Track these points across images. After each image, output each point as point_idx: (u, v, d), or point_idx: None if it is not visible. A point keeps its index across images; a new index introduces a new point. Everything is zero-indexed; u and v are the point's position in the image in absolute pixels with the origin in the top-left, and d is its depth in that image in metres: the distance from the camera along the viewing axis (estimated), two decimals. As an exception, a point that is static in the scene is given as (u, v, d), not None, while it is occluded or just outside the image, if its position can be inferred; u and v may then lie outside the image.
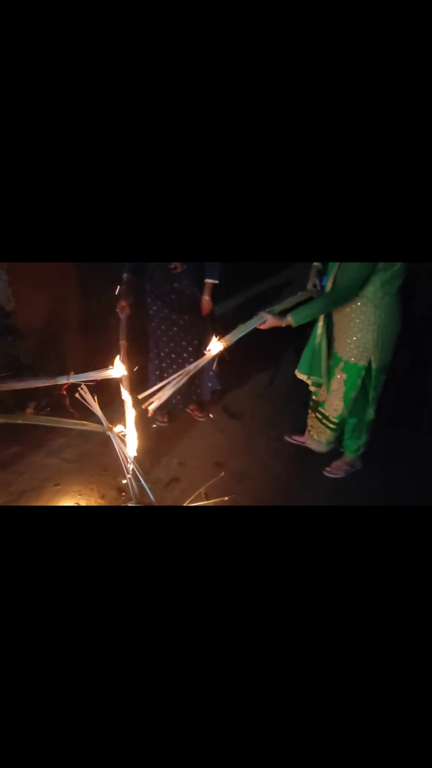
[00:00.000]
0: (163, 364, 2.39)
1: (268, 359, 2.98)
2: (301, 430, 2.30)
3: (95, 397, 1.48)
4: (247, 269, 3.87)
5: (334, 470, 2.18)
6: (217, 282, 2.28)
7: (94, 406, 1.49)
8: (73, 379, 1.48)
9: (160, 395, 1.61)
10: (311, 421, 2.18)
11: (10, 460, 2.11)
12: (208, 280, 2.25)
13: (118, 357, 1.68)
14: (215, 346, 1.66)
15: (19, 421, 1.40)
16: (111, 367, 1.54)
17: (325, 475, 2.14)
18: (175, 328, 2.32)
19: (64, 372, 2.65)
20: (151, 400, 1.60)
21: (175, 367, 2.35)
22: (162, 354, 2.37)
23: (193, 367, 1.64)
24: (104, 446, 2.18)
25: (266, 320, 1.68)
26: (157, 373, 2.40)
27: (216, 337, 1.67)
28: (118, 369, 1.53)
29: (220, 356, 1.74)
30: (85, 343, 3.01)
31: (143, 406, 1.59)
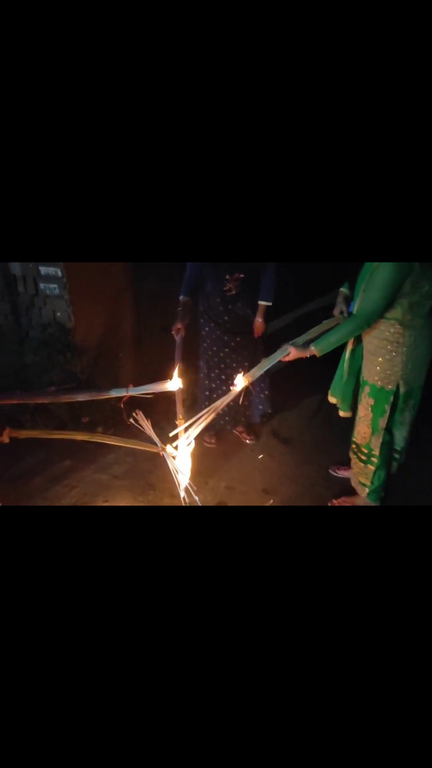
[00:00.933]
0: (213, 385, 2.39)
1: (320, 382, 2.90)
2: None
3: (149, 421, 1.49)
4: (296, 290, 3.83)
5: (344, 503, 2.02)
6: (270, 304, 2.27)
7: (148, 427, 1.50)
8: (132, 391, 1.50)
9: (188, 432, 1.59)
10: (351, 454, 2.03)
11: (63, 473, 2.17)
12: (262, 302, 2.25)
13: (174, 376, 1.70)
14: (240, 381, 1.63)
15: (78, 438, 1.42)
16: (169, 380, 1.55)
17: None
18: (227, 349, 2.31)
19: (116, 387, 2.73)
20: (178, 437, 1.60)
21: (224, 388, 2.34)
22: (212, 374, 2.37)
23: (219, 403, 1.61)
24: (151, 464, 2.19)
25: (290, 352, 1.64)
26: (207, 393, 2.40)
27: (241, 372, 1.64)
28: (175, 382, 1.54)
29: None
30: (137, 361, 3.09)
31: (170, 444, 1.58)
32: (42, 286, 2.64)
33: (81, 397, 1.61)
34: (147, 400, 1.57)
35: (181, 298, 2.14)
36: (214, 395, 2.39)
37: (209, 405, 2.39)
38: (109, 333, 2.85)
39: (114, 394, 1.48)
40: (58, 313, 2.66)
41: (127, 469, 2.24)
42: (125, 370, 2.97)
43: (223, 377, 2.36)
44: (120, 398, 1.55)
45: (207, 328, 2.30)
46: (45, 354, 2.51)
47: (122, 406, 1.50)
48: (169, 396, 1.64)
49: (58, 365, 2.47)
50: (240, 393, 1.67)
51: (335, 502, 2.04)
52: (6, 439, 1.13)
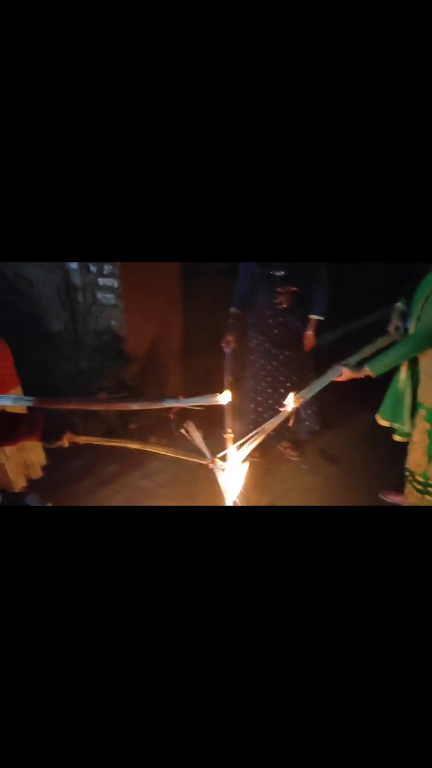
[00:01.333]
0: (259, 398, 2.36)
1: (374, 399, 2.79)
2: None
3: (201, 432, 1.49)
4: (349, 304, 3.73)
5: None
6: (322, 318, 2.22)
7: (198, 439, 1.49)
8: (183, 403, 1.51)
9: (238, 451, 1.56)
10: (406, 482, 1.91)
11: (110, 478, 2.23)
12: (313, 316, 2.21)
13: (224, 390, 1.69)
14: (290, 402, 1.58)
15: (131, 446, 1.44)
16: (221, 394, 1.54)
17: None
18: (275, 363, 2.28)
19: (163, 396, 2.78)
20: (221, 459, 1.57)
21: (270, 402, 2.30)
22: (258, 387, 2.35)
23: (269, 425, 1.57)
24: (194, 475, 2.19)
25: (342, 373, 1.57)
26: (252, 406, 2.38)
27: (293, 393, 1.59)
28: (226, 396, 1.53)
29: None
30: (185, 371, 3.14)
31: (208, 462, 1.56)
32: (99, 295, 2.76)
33: (134, 406, 1.63)
34: (192, 412, 1.57)
35: (231, 310, 2.15)
36: (260, 408, 2.36)
37: (255, 418, 2.39)
38: (159, 342, 2.92)
39: (166, 404, 1.50)
40: (113, 322, 2.76)
41: (171, 477, 2.26)
42: (173, 380, 3.02)
43: (270, 391, 2.32)
44: (169, 408, 1.56)
45: (256, 341, 2.28)
46: (98, 360, 2.61)
47: (172, 417, 1.51)
48: (213, 408, 1.64)
49: (109, 372, 2.55)
50: (290, 414, 1.63)
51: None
52: (66, 444, 1.17)
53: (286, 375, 2.29)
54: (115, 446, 2.19)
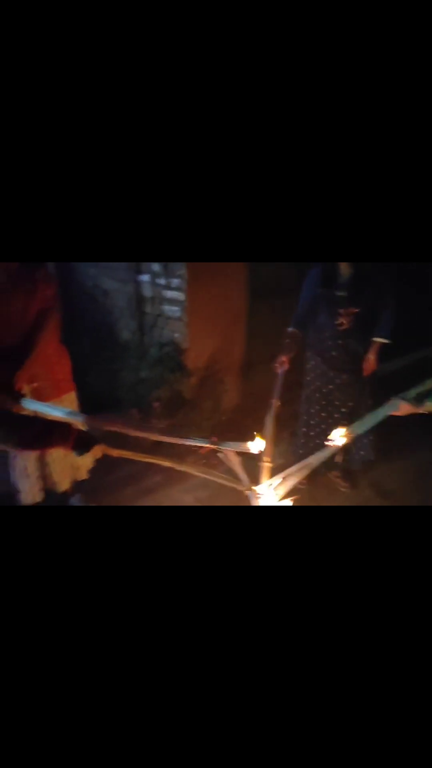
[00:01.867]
0: (311, 422, 2.24)
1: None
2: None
3: (240, 458, 1.45)
4: (413, 331, 3.40)
5: None
6: (387, 341, 2.05)
7: (236, 464, 1.45)
8: (215, 445, 1.48)
9: (278, 485, 1.48)
10: None
11: (152, 488, 2.27)
12: (378, 339, 2.05)
13: (266, 416, 1.64)
14: (338, 437, 1.45)
15: (165, 464, 1.45)
16: (251, 441, 1.48)
17: None
18: (331, 386, 2.16)
19: (217, 410, 2.77)
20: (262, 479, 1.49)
21: (323, 426, 2.17)
22: (312, 411, 2.23)
23: (314, 460, 1.46)
24: (235, 496, 2.14)
25: (400, 407, 1.40)
26: (305, 430, 2.27)
27: (343, 428, 1.46)
28: (257, 444, 1.47)
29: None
30: (244, 388, 3.11)
31: (244, 489, 1.48)
32: (166, 308, 2.85)
33: (169, 440, 1.64)
34: (235, 431, 1.53)
35: (289, 329, 2.08)
36: (312, 433, 2.24)
37: (305, 442, 2.28)
38: (219, 357, 2.94)
39: (195, 442, 1.48)
40: (176, 334, 2.84)
41: (211, 494, 2.23)
42: (230, 395, 3.00)
43: (323, 415, 2.20)
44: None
45: (312, 362, 2.18)
46: (159, 371, 2.69)
47: (202, 452, 1.49)
48: (257, 428, 1.58)
49: (167, 383, 2.62)
50: (338, 450, 1.52)
51: None
52: (99, 455, 1.20)
53: (342, 400, 2.16)
54: (174, 453, 2.24)
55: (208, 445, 1.48)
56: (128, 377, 2.78)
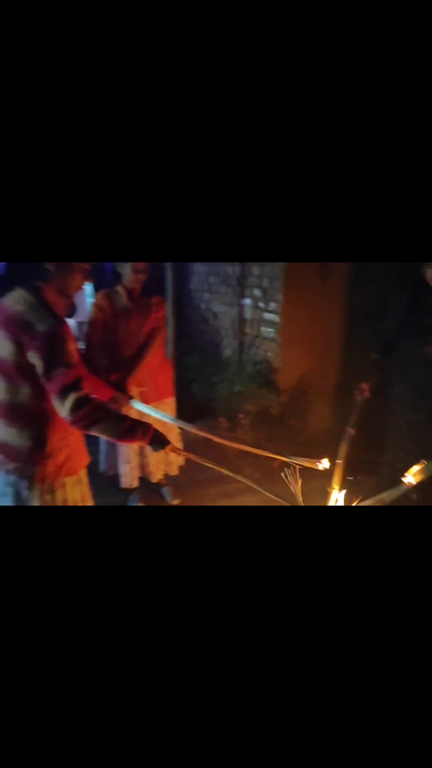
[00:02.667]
0: (397, 453, 2.20)
1: None
2: None
3: (301, 480, 1.53)
4: None
5: None
6: None
7: (296, 486, 1.54)
8: (286, 458, 1.58)
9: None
10: None
11: (233, 493, 2.46)
12: (471, 370, 1.95)
13: (340, 443, 1.68)
14: (412, 475, 1.43)
15: (224, 472, 1.59)
16: (321, 461, 1.54)
17: None
18: (417, 416, 2.10)
19: (302, 428, 2.85)
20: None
21: (409, 458, 2.12)
22: (397, 441, 2.19)
23: (387, 496, 1.44)
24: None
25: None
26: (388, 459, 2.23)
27: (420, 464, 1.44)
28: (324, 463, 1.54)
29: None
30: (334, 411, 3.13)
31: (355, 503, 1.52)
32: (263, 329, 3.08)
33: (247, 449, 1.73)
34: (331, 448, 1.59)
35: (372, 356, 2.11)
36: (398, 465, 2.19)
37: (389, 473, 2.22)
38: (311, 378, 3.03)
39: (273, 455, 1.59)
40: (269, 353, 3.04)
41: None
42: (320, 416, 3.06)
43: (410, 446, 2.14)
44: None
45: (399, 390, 2.16)
46: (250, 386, 2.92)
47: (276, 466, 1.60)
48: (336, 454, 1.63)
49: (256, 397, 2.82)
50: (412, 487, 1.51)
51: None
52: (169, 452, 1.43)
53: (430, 430, 2.08)
54: (254, 463, 2.39)
55: (280, 458, 1.61)
56: (224, 390, 3.06)
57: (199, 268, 3.79)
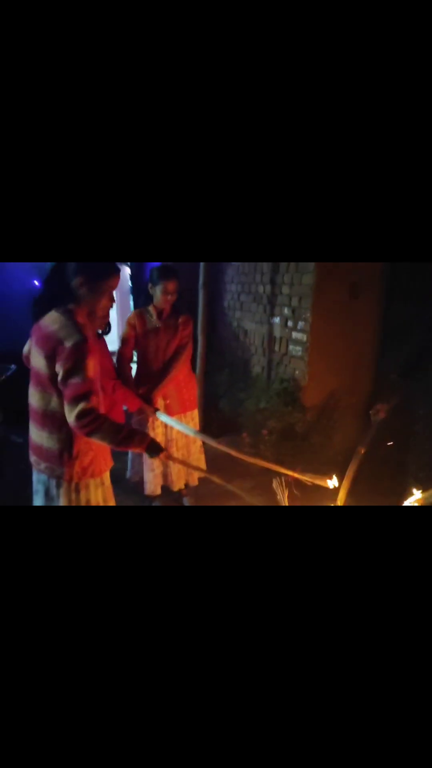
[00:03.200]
0: (420, 474, 2.17)
1: None
2: None
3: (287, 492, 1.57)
4: None
5: None
6: None
7: (284, 498, 1.58)
8: (295, 474, 1.64)
9: None
10: None
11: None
12: None
13: (351, 463, 1.70)
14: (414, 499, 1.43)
15: (213, 479, 1.63)
16: (330, 478, 1.58)
17: None
18: (441, 438, 2.08)
19: (326, 446, 2.85)
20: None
21: (432, 479, 2.09)
22: (421, 462, 2.17)
23: None
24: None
25: None
26: (412, 480, 2.20)
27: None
28: (333, 481, 1.58)
29: None
30: (358, 427, 3.09)
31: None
32: (291, 347, 3.14)
33: (261, 464, 1.76)
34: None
35: (391, 376, 2.12)
36: (419, 485, 2.16)
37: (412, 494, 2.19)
38: (340, 396, 3.03)
39: (284, 470, 1.64)
40: (296, 371, 3.08)
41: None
42: (348, 434, 3.03)
43: (433, 467, 2.12)
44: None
45: (422, 411, 2.15)
46: (275, 403, 2.97)
47: (291, 481, 1.66)
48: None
49: (280, 414, 2.87)
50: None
51: None
52: (164, 459, 1.53)
53: (455, 454, 2.05)
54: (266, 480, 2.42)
55: (291, 474, 1.66)
56: (251, 406, 3.13)
57: (231, 287, 3.92)
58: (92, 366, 1.31)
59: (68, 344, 1.28)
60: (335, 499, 1.59)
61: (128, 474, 2.40)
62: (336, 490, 1.57)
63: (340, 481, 1.60)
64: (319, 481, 1.58)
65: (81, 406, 1.27)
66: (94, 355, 1.32)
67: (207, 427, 3.35)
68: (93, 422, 1.29)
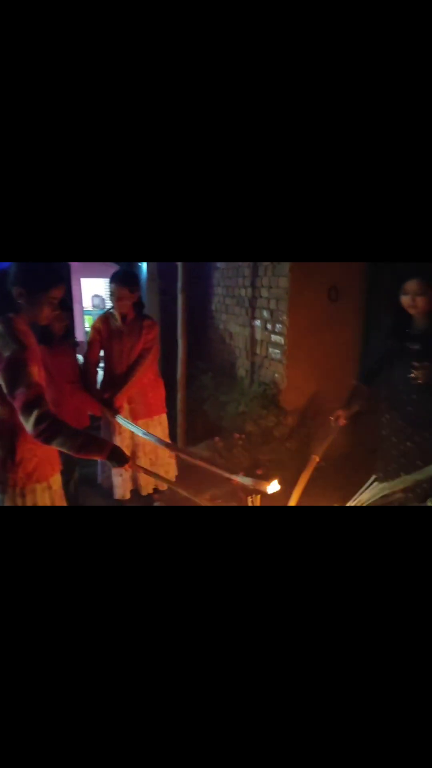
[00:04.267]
0: (387, 481, 2.11)
1: None
2: None
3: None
4: None
5: None
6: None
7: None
8: (240, 479, 1.60)
9: None
10: None
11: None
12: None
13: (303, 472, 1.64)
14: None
15: (180, 491, 1.59)
16: (269, 483, 1.52)
17: None
18: (409, 443, 2.01)
19: (301, 451, 2.80)
20: None
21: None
22: (389, 468, 2.11)
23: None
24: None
25: None
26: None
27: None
28: (273, 487, 1.53)
29: None
30: (346, 437, 3.03)
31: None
32: (270, 350, 3.11)
33: (197, 463, 1.75)
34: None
35: (354, 382, 2.07)
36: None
37: (384, 499, 2.13)
38: (321, 401, 2.98)
39: (224, 473, 1.61)
40: (276, 375, 3.04)
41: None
42: (315, 438, 2.98)
43: (402, 474, 2.05)
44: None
45: (387, 416, 2.09)
46: (254, 406, 2.94)
47: (234, 483, 1.62)
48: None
49: (257, 418, 2.84)
50: None
51: None
52: (128, 469, 1.50)
53: (423, 459, 1.98)
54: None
55: (235, 478, 1.64)
56: (231, 409, 3.10)
57: (218, 290, 3.91)
58: (35, 372, 1.32)
59: (6, 354, 1.29)
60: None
61: (99, 478, 2.41)
62: (277, 494, 1.53)
63: (291, 488, 1.56)
64: (259, 486, 1.54)
65: (36, 412, 1.28)
66: (35, 361, 1.33)
67: (190, 430, 3.34)
68: (51, 426, 1.29)
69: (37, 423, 1.28)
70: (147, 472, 1.57)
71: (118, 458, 1.42)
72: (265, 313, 3.10)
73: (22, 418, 1.31)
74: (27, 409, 1.28)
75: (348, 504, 1.48)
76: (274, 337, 3.04)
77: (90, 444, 1.37)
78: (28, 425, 1.30)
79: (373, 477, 1.50)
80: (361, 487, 1.55)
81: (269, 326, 3.08)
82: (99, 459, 1.44)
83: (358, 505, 1.46)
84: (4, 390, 1.31)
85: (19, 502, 1.47)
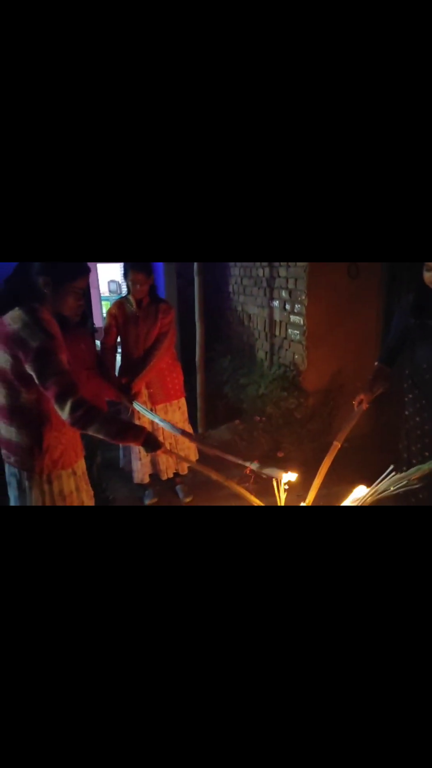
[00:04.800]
0: (414, 461, 2.06)
1: None
2: None
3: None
4: None
5: None
6: None
7: (279, 499, 1.52)
8: (255, 467, 1.57)
9: None
10: None
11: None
12: None
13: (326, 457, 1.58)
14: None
15: (212, 475, 1.58)
16: (289, 472, 1.49)
17: None
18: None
19: (323, 432, 2.77)
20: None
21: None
22: (413, 449, 2.06)
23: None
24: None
25: None
26: (405, 468, 2.09)
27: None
28: (290, 476, 1.47)
29: None
30: (366, 418, 2.96)
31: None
32: (290, 331, 3.05)
33: (214, 453, 1.69)
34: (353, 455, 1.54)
35: (376, 363, 2.00)
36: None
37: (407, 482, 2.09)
38: (342, 382, 2.92)
39: (248, 464, 1.58)
40: (296, 356, 2.99)
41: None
42: (337, 420, 2.92)
43: (427, 454, 2.00)
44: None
45: (411, 395, 2.02)
46: (273, 388, 2.91)
47: (248, 472, 1.61)
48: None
49: (278, 400, 2.81)
50: None
51: None
52: (162, 455, 1.48)
53: (449, 440, 1.92)
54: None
55: (250, 466, 1.61)
56: (251, 392, 3.08)
57: (234, 271, 3.84)
58: (65, 360, 1.32)
59: (34, 345, 1.29)
60: (305, 497, 1.53)
61: (121, 462, 2.45)
62: (295, 484, 1.50)
63: (313, 477, 1.53)
64: (275, 474, 1.51)
65: (71, 400, 1.28)
66: (62, 349, 1.33)
67: (210, 414, 3.34)
68: (88, 413, 1.30)
69: (73, 410, 1.28)
70: (180, 458, 1.57)
71: (153, 444, 1.43)
72: (284, 293, 3.03)
73: (56, 407, 1.32)
74: (62, 397, 1.29)
75: (368, 492, 1.44)
76: (293, 318, 2.98)
77: (127, 430, 1.39)
78: (63, 413, 1.31)
79: (391, 467, 1.45)
80: (383, 470, 1.52)
81: (288, 306, 3.02)
82: (135, 445, 1.44)
83: (375, 493, 1.42)
84: (36, 380, 1.32)
85: (46, 489, 1.51)
